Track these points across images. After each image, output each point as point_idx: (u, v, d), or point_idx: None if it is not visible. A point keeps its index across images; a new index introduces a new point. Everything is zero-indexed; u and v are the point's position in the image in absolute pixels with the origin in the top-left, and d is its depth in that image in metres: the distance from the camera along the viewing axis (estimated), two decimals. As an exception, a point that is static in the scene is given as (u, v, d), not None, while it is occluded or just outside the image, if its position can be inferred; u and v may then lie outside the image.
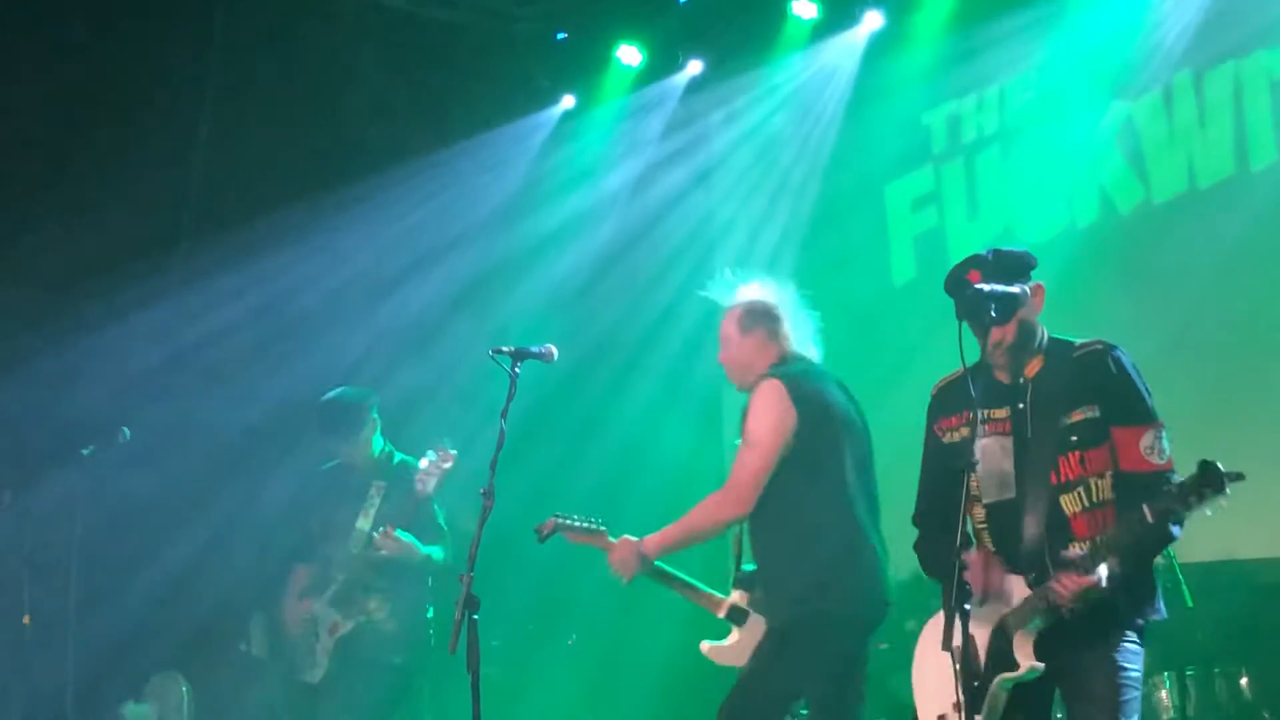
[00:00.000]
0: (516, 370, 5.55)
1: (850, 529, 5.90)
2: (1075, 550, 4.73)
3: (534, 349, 5.65)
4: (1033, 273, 5.13)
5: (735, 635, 6.17)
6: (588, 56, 10.29)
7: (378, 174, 9.67)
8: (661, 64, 10.22)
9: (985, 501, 5.12)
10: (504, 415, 5.45)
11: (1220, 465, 4.40)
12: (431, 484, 6.78)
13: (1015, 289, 5.02)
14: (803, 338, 6.20)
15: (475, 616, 5.17)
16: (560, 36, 10.34)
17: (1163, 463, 4.82)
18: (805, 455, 5.87)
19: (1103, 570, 4.68)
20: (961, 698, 4.68)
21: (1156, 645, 5.79)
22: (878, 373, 8.90)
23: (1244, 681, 6.86)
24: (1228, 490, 4.39)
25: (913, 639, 7.47)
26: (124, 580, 7.95)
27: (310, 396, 7.67)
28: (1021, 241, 8.29)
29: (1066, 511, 4.94)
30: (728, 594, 6.22)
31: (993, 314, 4.92)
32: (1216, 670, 6.88)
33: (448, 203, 9.91)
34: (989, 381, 5.12)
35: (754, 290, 6.23)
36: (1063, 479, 4.96)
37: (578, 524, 6.21)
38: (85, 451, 7.41)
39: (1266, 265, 7.48)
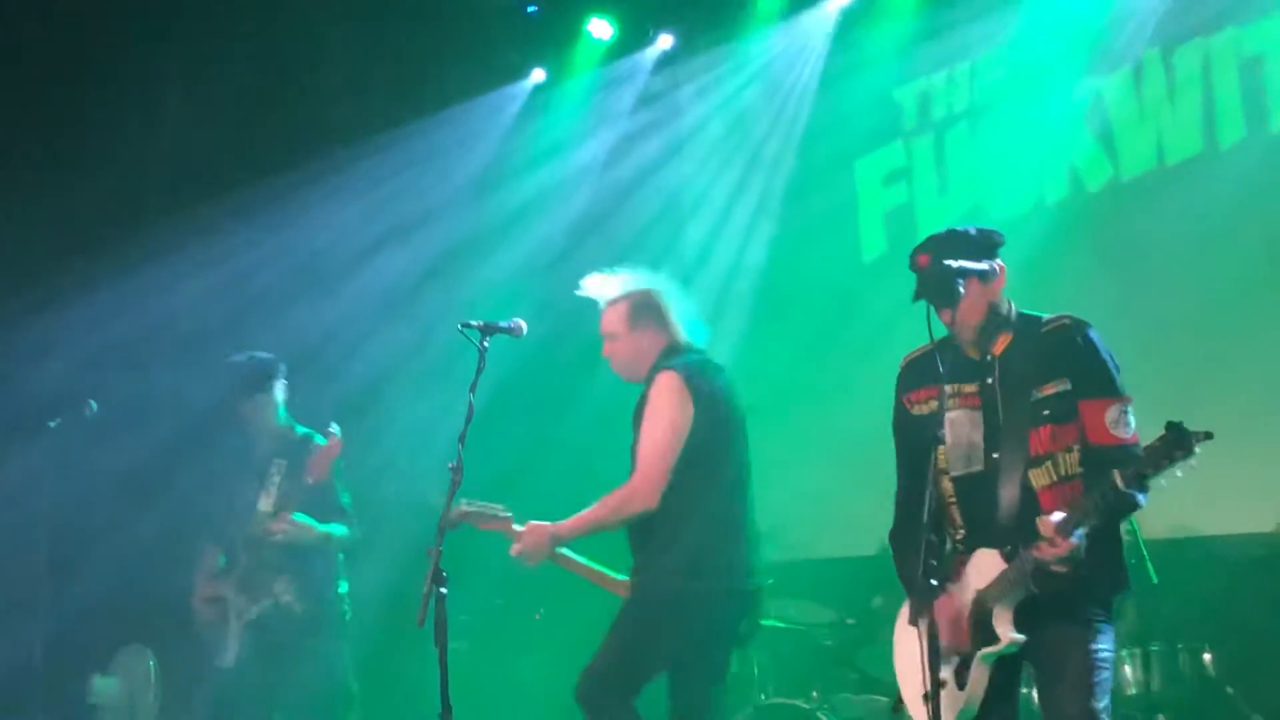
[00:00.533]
0: (485, 344, 5.55)
1: (726, 517, 6.05)
2: (1051, 519, 4.75)
3: (503, 323, 5.65)
4: (999, 250, 5.15)
5: None
6: (558, 30, 10.26)
7: (348, 147, 9.64)
8: (632, 38, 10.21)
9: (953, 474, 5.13)
10: (472, 389, 5.46)
11: (1187, 426, 4.42)
12: (322, 471, 6.80)
13: (983, 265, 5.04)
14: (689, 325, 6.30)
15: (443, 591, 5.18)
16: (531, 10, 10.30)
17: (1128, 436, 4.84)
18: (696, 447, 6.00)
19: (1079, 535, 4.71)
20: (928, 674, 4.69)
21: (1122, 621, 5.84)
22: (849, 347, 8.95)
23: (1208, 658, 6.89)
24: (1196, 450, 4.41)
25: (878, 615, 7.57)
26: (91, 554, 7.92)
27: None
28: (991, 218, 8.34)
29: (1035, 485, 4.96)
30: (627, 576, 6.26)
31: (957, 290, 4.94)
32: (1180, 646, 6.91)
33: (418, 176, 9.89)
34: (957, 357, 5.14)
35: (633, 282, 6.31)
36: (1032, 453, 4.98)
37: (484, 511, 6.22)
38: (52, 424, 7.39)
39: (1233, 242, 7.51)
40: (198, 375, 8.93)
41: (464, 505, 6.10)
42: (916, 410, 5.23)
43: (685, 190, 10.31)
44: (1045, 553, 4.75)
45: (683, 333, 6.26)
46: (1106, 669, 4.96)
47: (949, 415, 5.08)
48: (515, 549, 6.13)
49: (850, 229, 9.50)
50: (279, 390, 7.24)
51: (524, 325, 5.71)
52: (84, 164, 8.96)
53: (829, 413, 9.07)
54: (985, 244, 5.13)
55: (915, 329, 5.02)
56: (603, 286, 6.34)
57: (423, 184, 9.83)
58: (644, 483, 5.99)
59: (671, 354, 6.18)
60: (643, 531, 6.07)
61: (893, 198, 9.35)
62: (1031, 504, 4.93)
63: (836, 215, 9.51)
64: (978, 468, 5.09)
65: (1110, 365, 5.00)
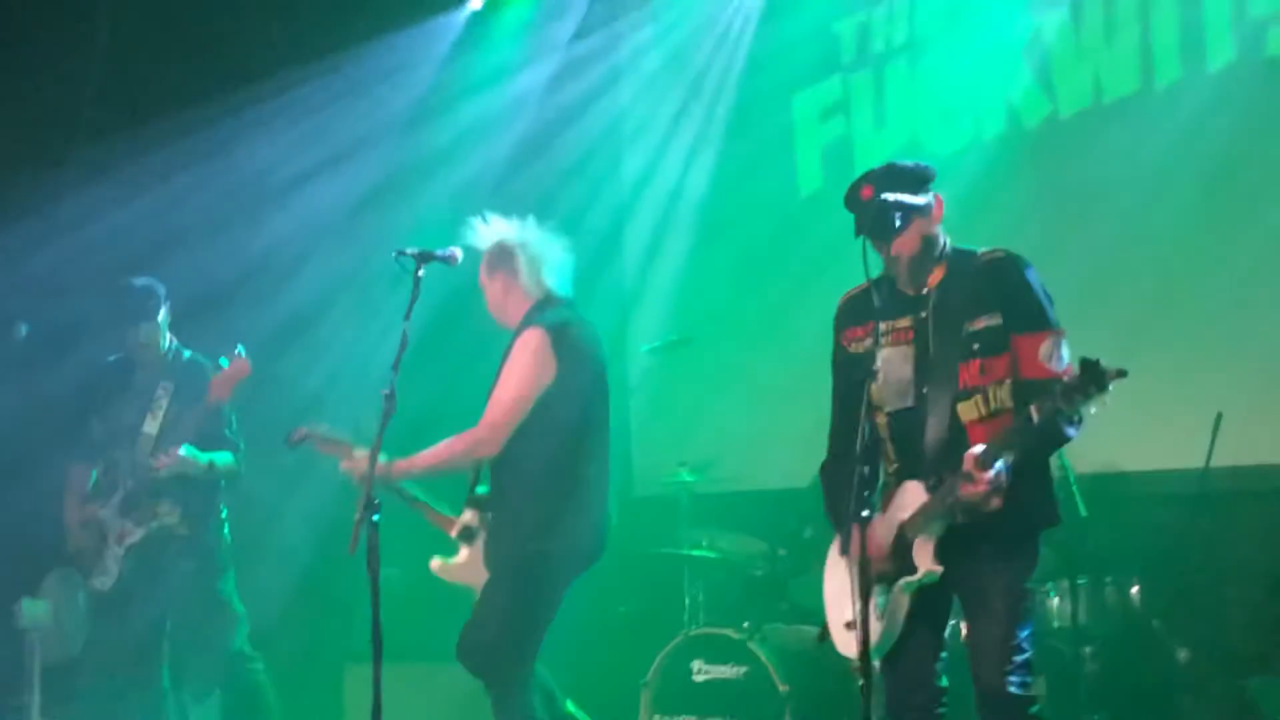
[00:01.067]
0: (420, 273, 5.55)
1: (582, 476, 6.13)
2: (971, 452, 4.79)
3: (438, 252, 5.66)
4: (931, 185, 5.17)
5: (464, 553, 6.34)
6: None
7: (280, 76, 9.52)
8: (572, -34, 10.12)
9: (886, 410, 5.17)
10: (406, 317, 5.47)
11: (1103, 363, 4.45)
12: (225, 392, 6.77)
13: (919, 200, 5.06)
14: (557, 276, 6.32)
15: (375, 518, 5.19)
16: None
17: (1061, 370, 4.87)
18: (557, 404, 6.06)
19: (1000, 466, 4.75)
20: (858, 604, 4.74)
21: (1049, 554, 5.90)
22: (785, 280, 8.97)
23: (1134, 591, 6.98)
24: (1110, 387, 4.46)
25: (808, 546, 7.63)
26: (19, 477, 7.86)
27: (206, 297, 7.58)
28: (928, 153, 8.36)
29: (963, 419, 4.99)
30: (459, 514, 6.37)
31: (896, 223, 4.95)
32: (1108, 580, 7.00)
33: (353, 104, 9.78)
34: (892, 292, 5.16)
35: (497, 231, 6.34)
36: (961, 386, 5.01)
37: (326, 434, 6.38)
38: (-21, 346, 7.33)
39: (1169, 182, 7.54)
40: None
41: (308, 427, 6.34)
42: (853, 349, 5.26)
43: (625, 118, 10.25)
44: (966, 490, 4.80)
45: (544, 285, 6.27)
46: (1028, 600, 5.03)
47: (882, 352, 5.12)
48: (344, 465, 6.18)
49: (788, 162, 9.48)
50: (163, 314, 7.16)
51: (459, 254, 5.73)
52: (12, 87, 8.81)
53: (763, 344, 9.10)
54: (921, 178, 5.15)
55: (850, 263, 5.03)
56: (476, 235, 6.36)
57: (358, 112, 9.72)
58: (490, 432, 6.06)
59: (542, 308, 6.22)
60: (498, 491, 6.19)
61: (829, 132, 9.34)
62: (960, 438, 4.98)
63: (774, 148, 9.49)
64: (909, 403, 5.14)
65: (1043, 299, 5.03)
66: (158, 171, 8.96)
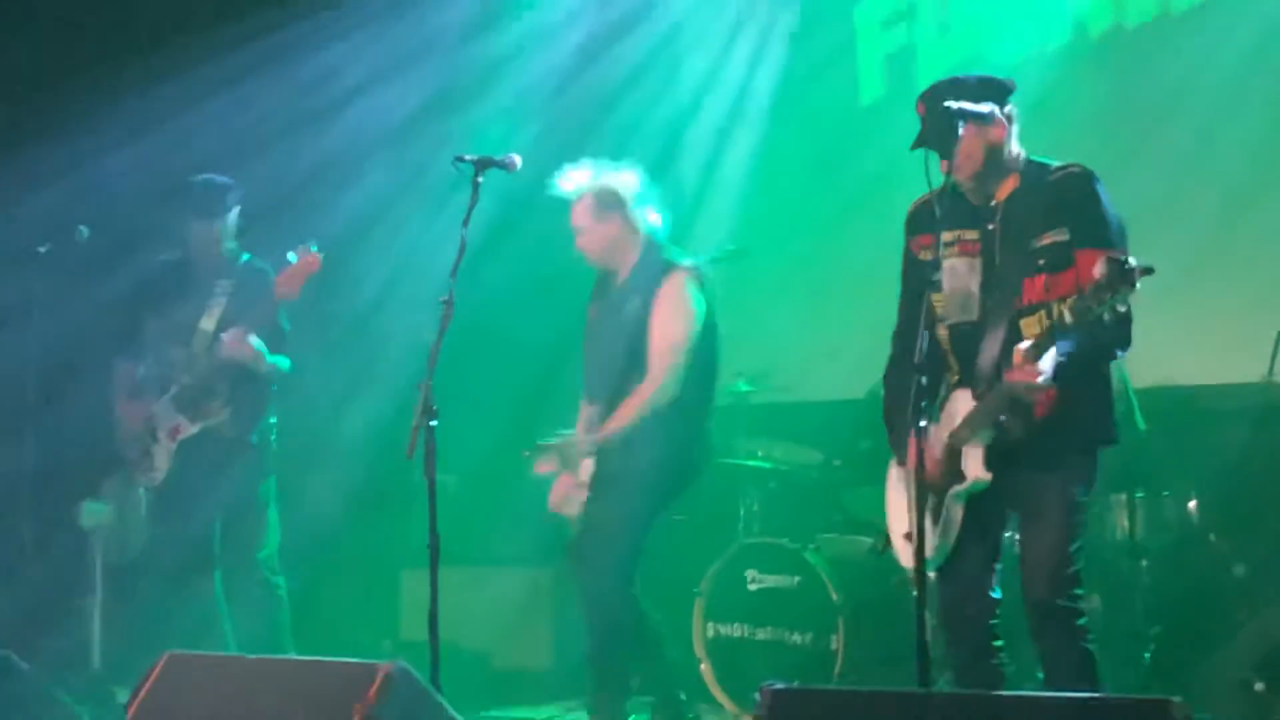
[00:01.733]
0: (479, 179, 5.56)
1: (704, 412, 6.63)
2: (1020, 346, 4.77)
3: (497, 158, 5.65)
4: (1009, 96, 5.11)
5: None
6: None
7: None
8: None
9: (948, 322, 5.14)
10: (465, 224, 5.47)
11: (1130, 260, 4.42)
12: (294, 287, 6.72)
13: (984, 108, 4.99)
14: (658, 220, 6.66)
15: (433, 424, 5.22)
16: None
17: None
18: (703, 338, 6.53)
19: (1047, 362, 4.73)
20: (913, 514, 4.74)
21: (1107, 468, 5.88)
22: (843, 190, 8.91)
23: (1192, 505, 6.94)
24: (1137, 285, 4.41)
25: (864, 457, 7.63)
26: (79, 380, 7.93)
27: (268, 201, 7.59)
28: (991, 64, 8.26)
29: (1025, 334, 4.95)
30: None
31: (957, 133, 4.90)
32: (1165, 494, 6.97)
33: (406, 15, 9.72)
34: (959, 203, 5.11)
35: (597, 175, 6.62)
36: (1025, 302, 4.98)
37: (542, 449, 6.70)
38: (42, 249, 7.35)
39: (1236, 94, 7.43)
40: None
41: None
42: (922, 255, 5.22)
43: (684, 28, 10.14)
44: (1011, 377, 4.77)
45: (649, 222, 6.60)
46: (1081, 514, 5.01)
47: (947, 263, 5.09)
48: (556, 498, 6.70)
49: (849, 71, 9.39)
50: (233, 216, 7.14)
51: (518, 160, 5.72)
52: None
53: (820, 255, 9.07)
54: (989, 90, 5.08)
55: (911, 174, 4.99)
56: (569, 181, 6.61)
57: (421, 18, 9.67)
58: (673, 375, 6.40)
59: (655, 249, 6.57)
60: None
61: (892, 41, 9.24)
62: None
63: (835, 56, 9.40)
64: (972, 316, 5.10)
65: (1110, 216, 4.98)
66: (222, 77, 8.94)
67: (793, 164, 9.39)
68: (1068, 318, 4.58)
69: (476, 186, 5.56)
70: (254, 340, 6.83)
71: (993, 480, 4.99)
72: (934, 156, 4.97)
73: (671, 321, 6.44)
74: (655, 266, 6.53)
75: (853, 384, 7.76)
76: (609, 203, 6.56)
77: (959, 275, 5.12)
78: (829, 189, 9.10)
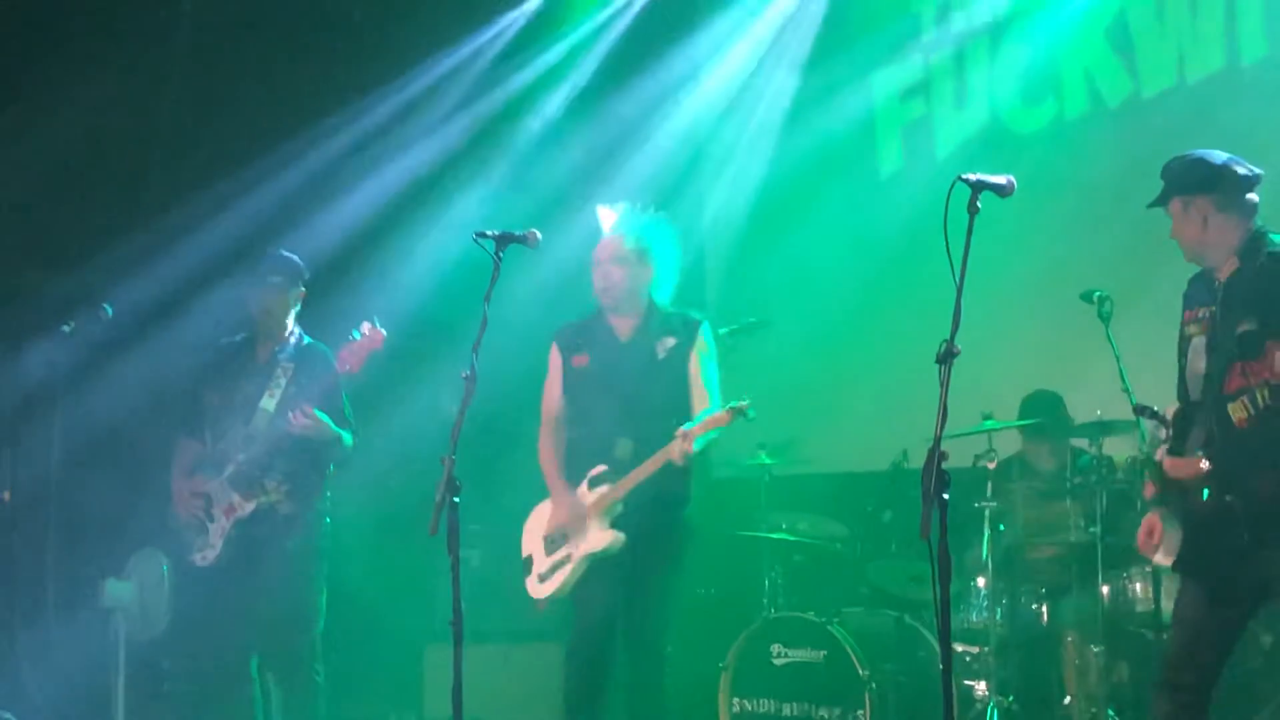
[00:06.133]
0: (500, 255, 5.57)
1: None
2: None
3: (517, 233, 5.65)
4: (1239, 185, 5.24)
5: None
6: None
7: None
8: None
9: (1190, 400, 5.23)
10: (487, 299, 5.47)
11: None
12: (358, 362, 6.72)
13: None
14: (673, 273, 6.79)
15: (456, 500, 5.21)
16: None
17: None
18: None
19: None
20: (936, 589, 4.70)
21: (1130, 540, 5.81)
22: (865, 263, 8.91)
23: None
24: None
25: (887, 528, 7.62)
26: (105, 459, 7.95)
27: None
28: (1009, 133, 8.30)
29: (1234, 418, 5.00)
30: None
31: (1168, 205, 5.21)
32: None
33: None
34: (1209, 279, 5.21)
35: (640, 218, 6.72)
36: (1229, 389, 5.03)
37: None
38: (66, 328, 7.39)
39: (1254, 161, 7.42)
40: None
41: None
42: (1185, 330, 5.31)
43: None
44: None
45: (668, 276, 6.71)
46: None
47: (1192, 340, 5.20)
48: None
49: (867, 142, 9.43)
50: (299, 291, 7.17)
51: (538, 235, 5.71)
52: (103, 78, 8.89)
53: (841, 326, 9.06)
54: (1193, 174, 5.28)
55: (929, 244, 4.94)
56: (610, 216, 6.69)
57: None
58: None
59: (656, 300, 6.67)
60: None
61: (910, 112, 9.28)
62: (1230, 435, 5.01)
63: (853, 128, 9.43)
64: (1196, 396, 5.18)
65: None
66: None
67: (814, 236, 9.39)
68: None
69: (497, 262, 5.57)
70: (319, 413, 6.84)
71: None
72: (956, 238, 4.89)
73: (711, 369, 6.58)
74: (677, 312, 6.68)
75: (875, 456, 7.74)
76: (652, 248, 6.64)
77: (1196, 354, 5.21)
78: (850, 261, 9.10)
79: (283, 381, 6.96)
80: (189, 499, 6.98)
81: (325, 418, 6.83)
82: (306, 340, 7.15)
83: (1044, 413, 7.43)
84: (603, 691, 6.44)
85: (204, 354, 7.36)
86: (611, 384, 6.59)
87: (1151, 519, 5.29)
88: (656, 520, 6.40)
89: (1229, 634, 5.22)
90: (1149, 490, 5.45)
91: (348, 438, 6.97)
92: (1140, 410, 5.30)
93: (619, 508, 6.43)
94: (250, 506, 6.88)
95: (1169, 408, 5.25)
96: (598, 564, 6.44)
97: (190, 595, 7.19)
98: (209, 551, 6.91)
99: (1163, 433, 5.23)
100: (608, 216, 6.67)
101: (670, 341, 6.55)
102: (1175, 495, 5.19)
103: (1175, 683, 5.20)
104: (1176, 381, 5.35)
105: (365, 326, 6.70)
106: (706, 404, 6.46)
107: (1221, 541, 5.03)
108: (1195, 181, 5.22)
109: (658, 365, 6.53)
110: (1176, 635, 5.27)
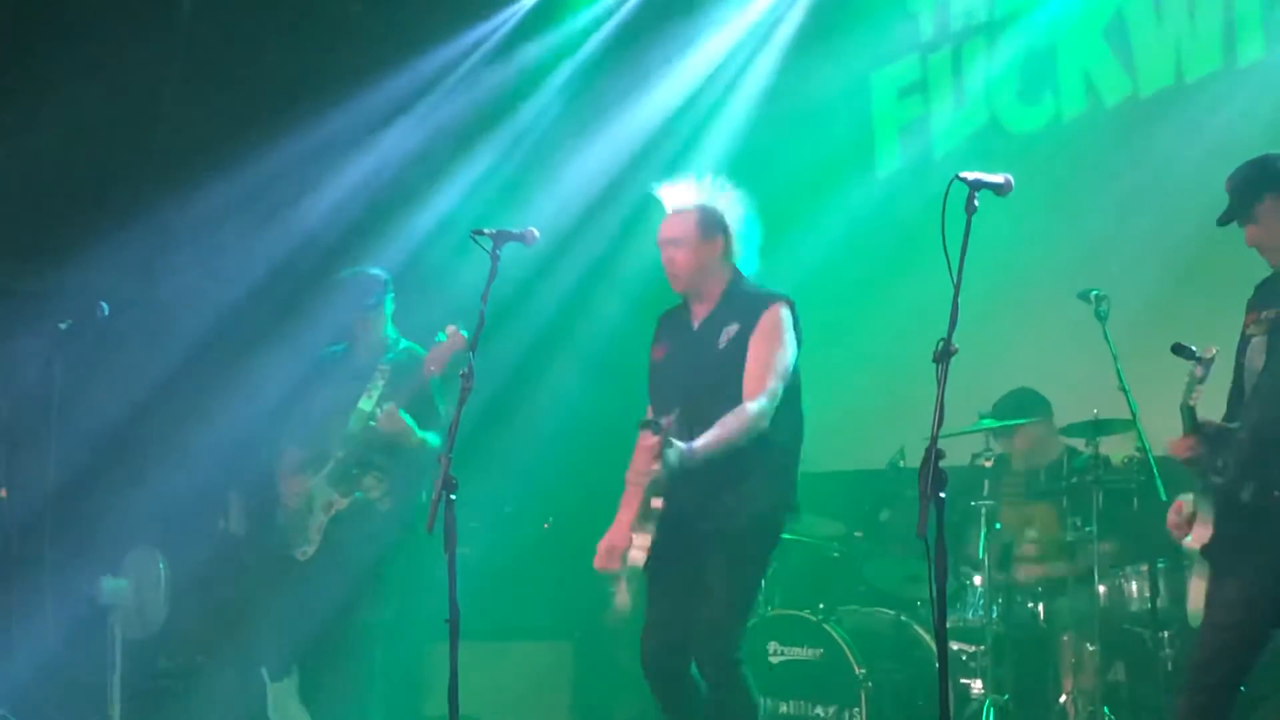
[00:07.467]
0: (497, 253, 5.56)
1: (798, 451, 6.04)
2: None
3: (515, 231, 5.64)
4: None
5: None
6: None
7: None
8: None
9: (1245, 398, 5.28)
10: (484, 298, 5.47)
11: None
12: (441, 365, 6.80)
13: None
14: (751, 249, 6.19)
15: (453, 497, 5.21)
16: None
17: None
18: (795, 385, 5.98)
19: None
20: (934, 588, 4.70)
21: (1127, 539, 5.83)
22: (863, 266, 8.91)
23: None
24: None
25: (884, 528, 7.60)
26: (102, 456, 7.94)
27: (291, 276, 7.63)
28: (1007, 132, 8.30)
29: None
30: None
31: (1250, 208, 5.22)
32: (1187, 563, 6.90)
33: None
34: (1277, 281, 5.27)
35: (713, 192, 6.12)
36: None
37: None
38: (63, 325, 7.40)
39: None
40: (211, 281, 8.98)
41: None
42: (1246, 330, 5.33)
43: (696, 102, 10.13)
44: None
45: (744, 254, 6.13)
46: None
47: (1252, 340, 5.23)
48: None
49: (865, 142, 9.43)
50: (388, 305, 7.37)
51: (536, 233, 5.71)
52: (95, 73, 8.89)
53: (840, 325, 9.04)
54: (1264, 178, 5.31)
55: (926, 245, 4.95)
56: (674, 192, 6.12)
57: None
58: (771, 401, 5.81)
59: (743, 279, 6.09)
60: (743, 459, 5.82)
61: (908, 112, 9.28)
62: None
63: (851, 128, 9.43)
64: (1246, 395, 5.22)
65: None
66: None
67: (811, 235, 9.38)
68: None
69: (495, 260, 5.55)
70: (404, 415, 6.96)
71: None
72: (953, 237, 4.89)
73: (771, 347, 5.87)
74: (753, 294, 6.01)
75: (873, 455, 7.74)
76: (715, 223, 6.05)
77: (1256, 351, 5.24)
78: (847, 260, 9.09)
79: (380, 383, 7.15)
80: (293, 496, 7.23)
81: (409, 419, 6.98)
82: (403, 344, 7.35)
83: (1022, 410, 7.42)
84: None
85: (306, 365, 7.61)
86: (674, 380, 6.06)
87: (1183, 501, 5.31)
88: None
89: (1267, 634, 5.21)
90: (1180, 447, 5.33)
91: (432, 439, 7.05)
92: (1178, 350, 5.19)
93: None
94: (346, 502, 7.09)
95: (1207, 349, 5.20)
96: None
97: (285, 588, 7.25)
98: (308, 547, 7.13)
99: (1198, 370, 5.15)
100: (669, 195, 6.12)
101: (734, 329, 5.92)
102: (1206, 448, 5.19)
103: (1203, 683, 5.19)
104: (1230, 385, 5.36)
105: (449, 329, 6.75)
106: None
107: (1267, 539, 5.05)
108: None
109: (716, 357, 5.92)
110: (1210, 638, 5.20)
